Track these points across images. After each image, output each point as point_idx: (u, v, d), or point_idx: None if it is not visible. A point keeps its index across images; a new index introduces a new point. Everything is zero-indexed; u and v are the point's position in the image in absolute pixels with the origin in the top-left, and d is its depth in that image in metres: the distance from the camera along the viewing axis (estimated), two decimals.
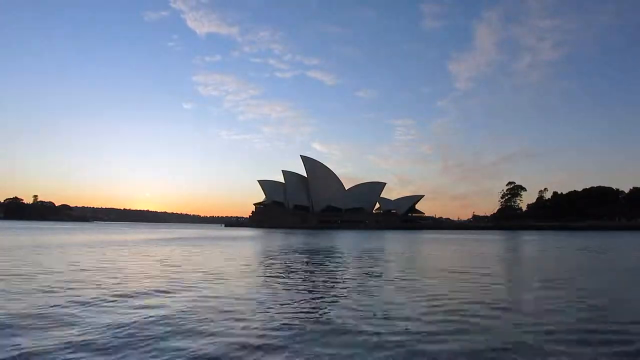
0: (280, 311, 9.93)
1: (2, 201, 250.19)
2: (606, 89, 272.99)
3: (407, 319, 9.19)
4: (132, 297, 11.30)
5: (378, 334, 7.90)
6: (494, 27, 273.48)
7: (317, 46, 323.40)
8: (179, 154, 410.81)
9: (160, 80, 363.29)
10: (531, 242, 51.40)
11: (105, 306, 10.07)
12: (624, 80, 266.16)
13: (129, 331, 7.83)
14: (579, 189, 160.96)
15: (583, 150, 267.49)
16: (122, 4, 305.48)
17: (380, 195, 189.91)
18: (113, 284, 13.59)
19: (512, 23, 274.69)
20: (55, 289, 12.26)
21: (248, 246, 40.07)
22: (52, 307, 9.80)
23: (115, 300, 10.72)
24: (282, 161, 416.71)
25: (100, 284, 13.38)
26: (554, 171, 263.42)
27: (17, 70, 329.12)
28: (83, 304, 10.23)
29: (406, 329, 8.31)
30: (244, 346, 7.10)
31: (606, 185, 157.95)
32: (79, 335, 7.54)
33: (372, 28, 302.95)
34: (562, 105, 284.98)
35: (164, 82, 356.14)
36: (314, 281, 15.15)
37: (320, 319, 9.19)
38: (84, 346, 6.93)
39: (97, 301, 10.56)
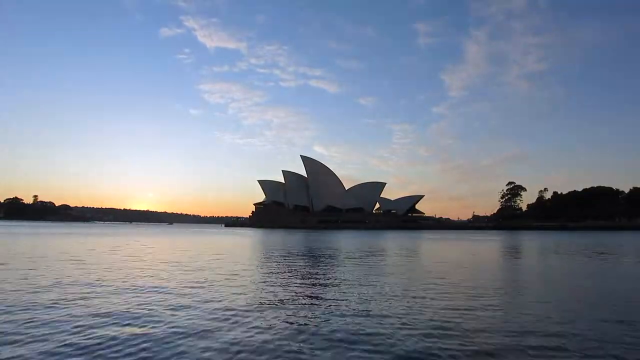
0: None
1: (2, 201, 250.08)
2: (593, 96, 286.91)
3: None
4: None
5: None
6: (482, 43, 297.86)
7: (320, 59, 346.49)
8: (181, 156, 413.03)
9: (168, 88, 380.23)
10: (537, 248, 50.31)
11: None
12: (609, 87, 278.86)
13: None
14: (579, 189, 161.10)
15: (582, 151, 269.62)
16: (141, 21, 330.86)
17: (380, 196, 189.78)
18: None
19: (498, 40, 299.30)
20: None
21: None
22: None
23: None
24: (283, 163, 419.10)
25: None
26: (553, 171, 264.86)
27: (18, 70, 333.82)
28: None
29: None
30: None
31: (606, 185, 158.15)
32: None
33: (371, 44, 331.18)
34: (553, 110, 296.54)
35: (173, 90, 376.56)
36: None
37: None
38: None
39: None
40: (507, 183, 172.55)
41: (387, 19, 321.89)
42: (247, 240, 50.35)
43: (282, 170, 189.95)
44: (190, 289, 12.57)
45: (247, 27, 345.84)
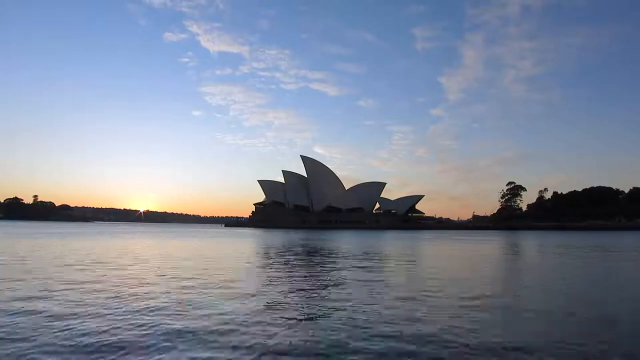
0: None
1: (2, 201, 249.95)
2: (592, 96, 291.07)
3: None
4: None
5: None
6: (478, 48, 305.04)
7: (320, 63, 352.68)
8: (182, 156, 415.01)
9: (171, 90, 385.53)
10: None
11: None
12: (607, 87, 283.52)
13: None
14: (579, 189, 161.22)
15: (582, 151, 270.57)
16: (145, 26, 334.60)
17: (380, 196, 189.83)
18: None
19: (494, 45, 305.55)
20: None
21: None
22: None
23: None
24: (284, 163, 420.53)
25: None
26: (553, 171, 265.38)
27: (20, 71, 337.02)
28: None
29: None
30: None
31: (606, 185, 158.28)
32: None
33: (371, 48, 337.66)
34: (552, 111, 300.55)
35: (175, 91, 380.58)
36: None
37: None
38: None
39: None
40: (507, 183, 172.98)
41: (386, 23, 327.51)
42: (250, 241, 50.38)
43: (282, 171, 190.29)
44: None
45: (250, 31, 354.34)
